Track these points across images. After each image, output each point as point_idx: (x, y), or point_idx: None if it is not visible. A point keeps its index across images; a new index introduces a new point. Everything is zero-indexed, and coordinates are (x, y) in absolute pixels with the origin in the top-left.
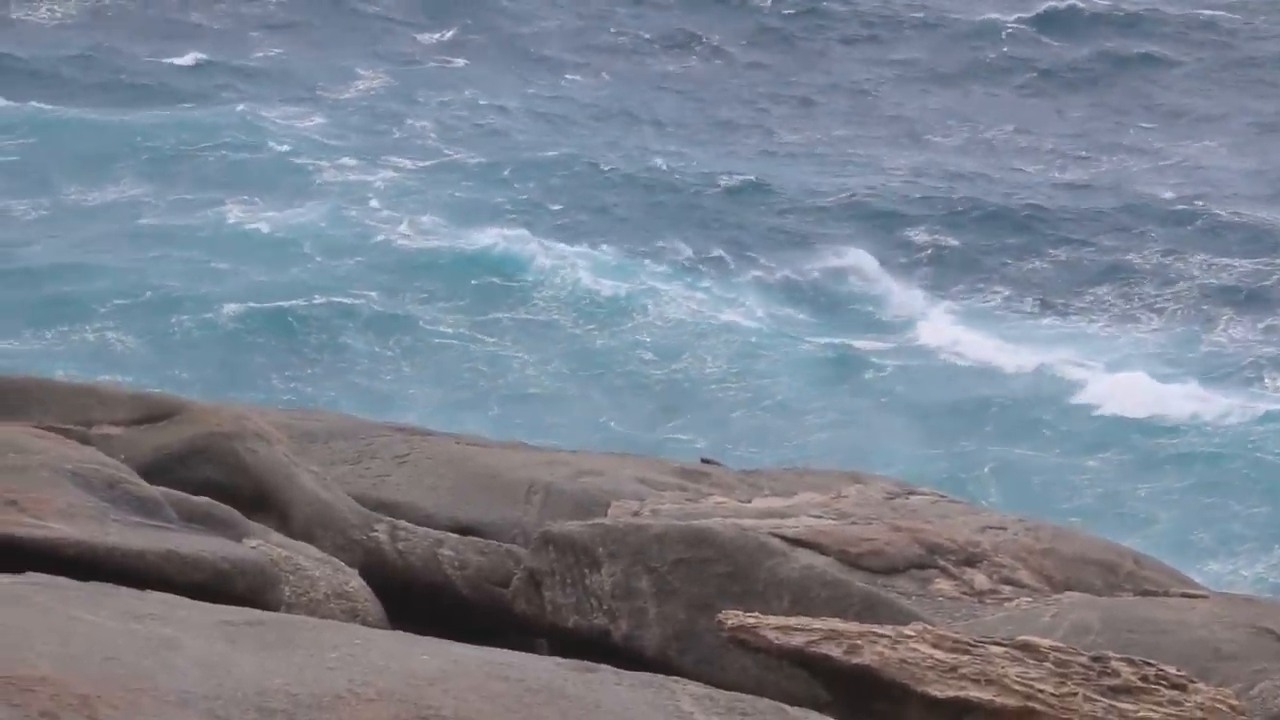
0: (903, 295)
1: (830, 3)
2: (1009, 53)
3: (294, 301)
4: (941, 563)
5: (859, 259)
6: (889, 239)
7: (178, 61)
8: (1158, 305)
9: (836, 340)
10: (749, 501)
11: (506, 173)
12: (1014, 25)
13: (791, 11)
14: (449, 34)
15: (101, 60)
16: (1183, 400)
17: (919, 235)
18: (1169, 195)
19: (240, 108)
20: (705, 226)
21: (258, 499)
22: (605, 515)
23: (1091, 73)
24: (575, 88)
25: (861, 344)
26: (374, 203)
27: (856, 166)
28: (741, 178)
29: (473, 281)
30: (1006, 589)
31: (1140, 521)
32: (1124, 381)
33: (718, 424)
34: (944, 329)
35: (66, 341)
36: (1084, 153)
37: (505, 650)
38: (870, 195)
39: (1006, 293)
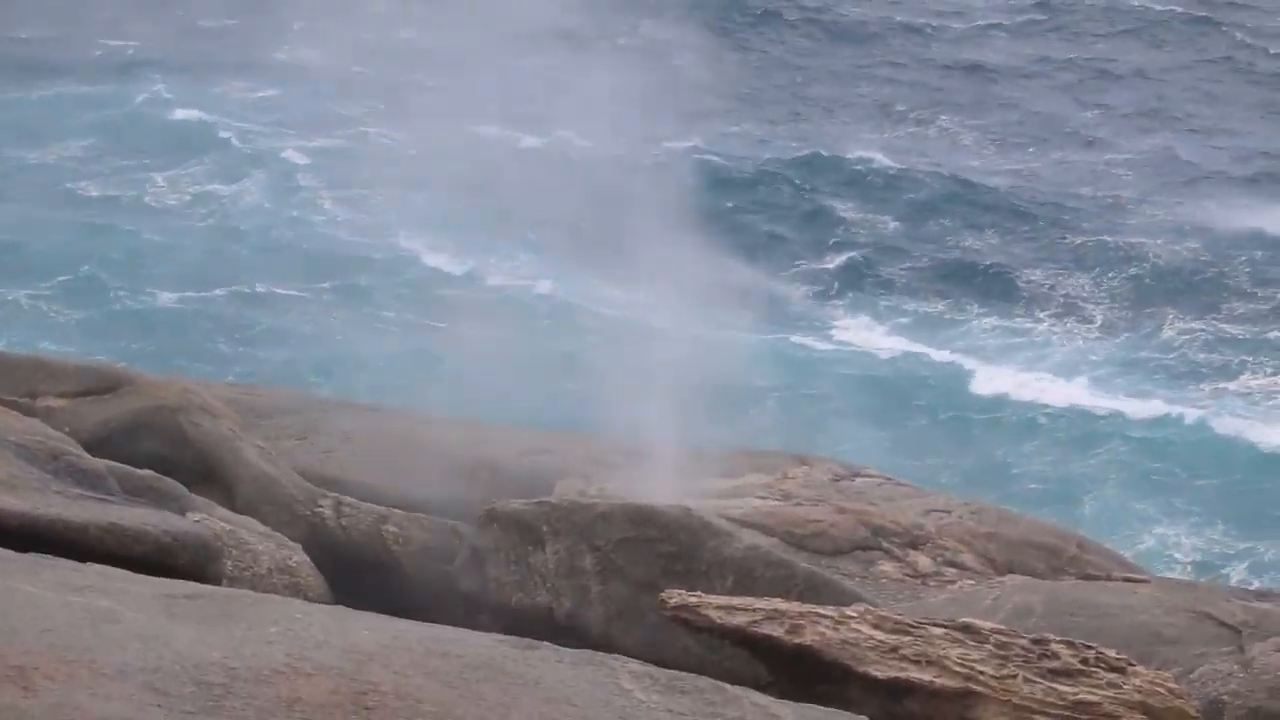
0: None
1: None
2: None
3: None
4: (886, 545)
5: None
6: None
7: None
8: (1092, 297)
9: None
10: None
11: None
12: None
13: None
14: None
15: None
16: (1114, 391)
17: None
18: (1091, 190)
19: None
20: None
21: (202, 473)
22: (551, 494)
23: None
24: None
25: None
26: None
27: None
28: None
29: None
30: (950, 571)
31: (1077, 501)
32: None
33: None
34: (873, 327)
35: None
36: (1025, 145)
37: (446, 627)
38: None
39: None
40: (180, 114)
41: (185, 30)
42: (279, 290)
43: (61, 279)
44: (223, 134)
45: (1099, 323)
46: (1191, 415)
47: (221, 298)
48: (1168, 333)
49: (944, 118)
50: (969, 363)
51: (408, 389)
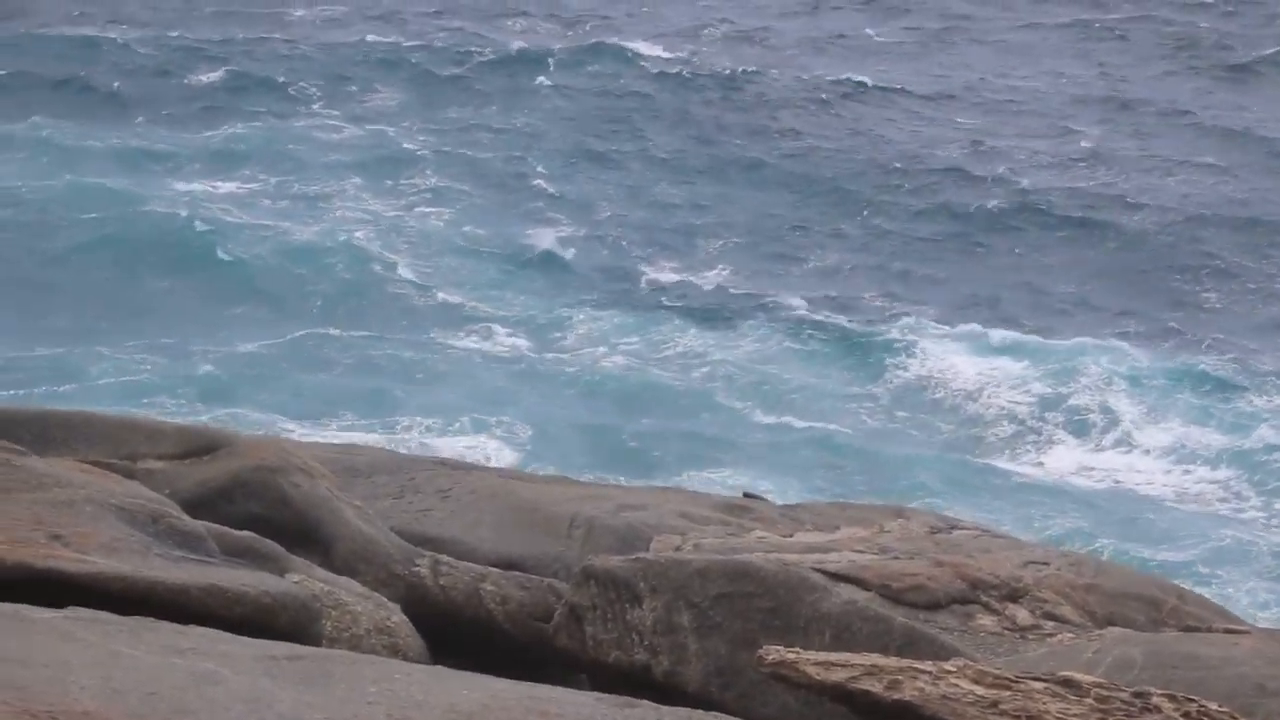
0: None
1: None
2: None
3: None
4: (984, 598)
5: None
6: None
7: None
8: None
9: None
10: (791, 536)
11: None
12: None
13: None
14: None
15: None
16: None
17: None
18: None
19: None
20: None
21: (301, 533)
22: (647, 550)
23: None
24: None
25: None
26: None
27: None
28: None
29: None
30: (1049, 624)
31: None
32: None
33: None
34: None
35: None
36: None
37: (545, 685)
38: None
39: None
40: None
41: None
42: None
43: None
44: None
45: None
46: None
47: None
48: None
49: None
50: None
51: None
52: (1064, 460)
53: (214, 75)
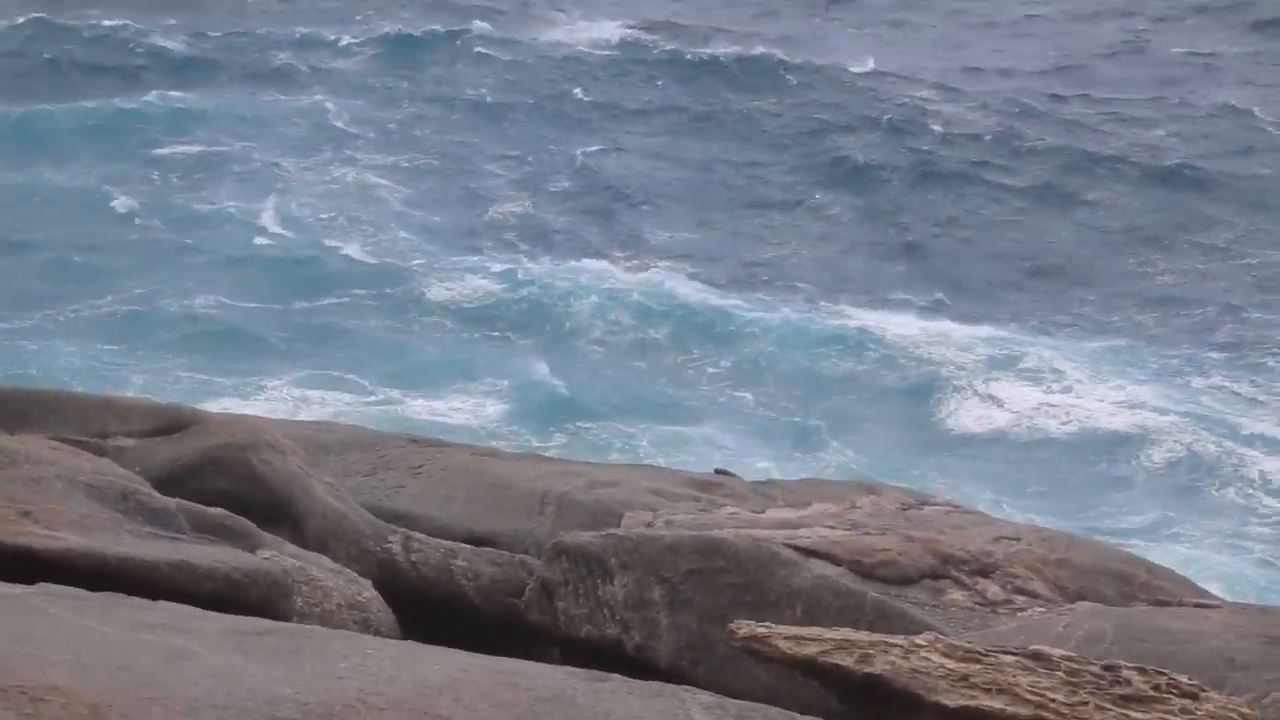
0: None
1: None
2: None
3: None
4: (955, 573)
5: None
6: None
7: None
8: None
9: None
10: (762, 512)
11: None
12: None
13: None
14: None
15: None
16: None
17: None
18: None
19: None
20: None
21: (272, 510)
22: (618, 526)
23: None
24: None
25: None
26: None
27: None
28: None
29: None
30: (1020, 599)
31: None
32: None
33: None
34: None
35: None
36: None
37: (516, 659)
38: None
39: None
40: None
41: None
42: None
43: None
44: None
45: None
46: None
47: None
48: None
49: None
50: None
51: None
52: (1013, 414)
53: (159, 42)
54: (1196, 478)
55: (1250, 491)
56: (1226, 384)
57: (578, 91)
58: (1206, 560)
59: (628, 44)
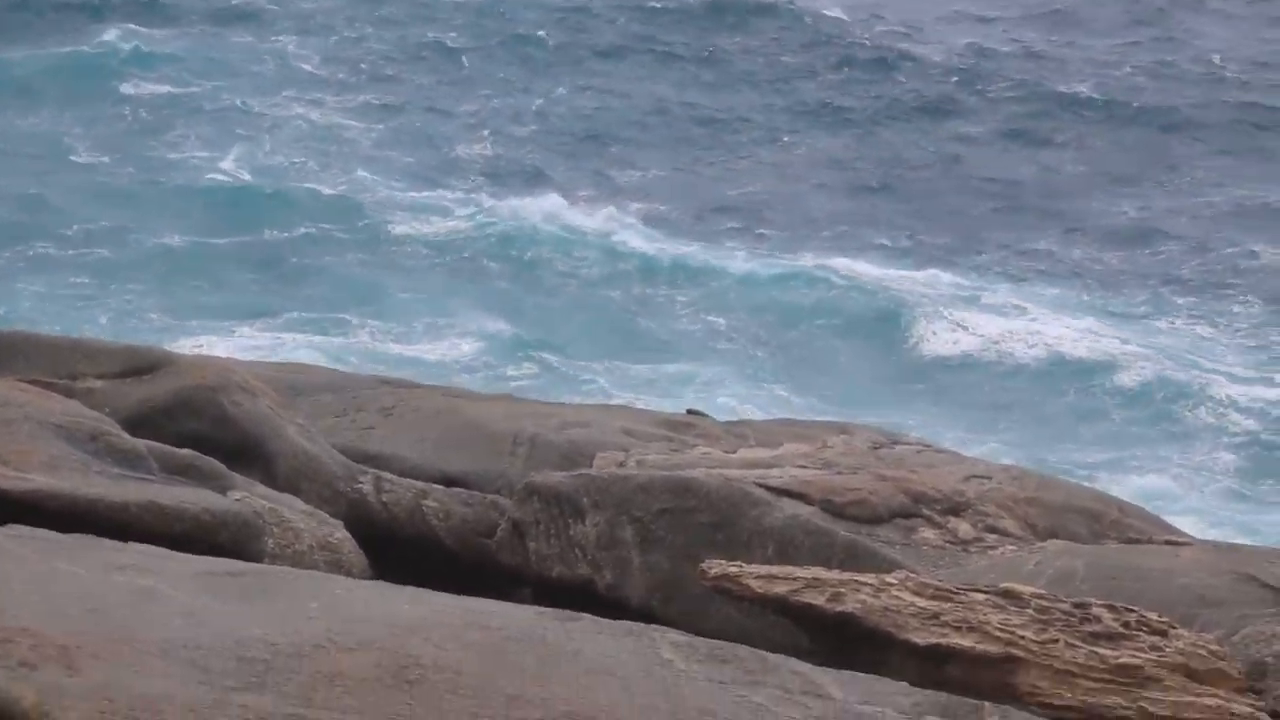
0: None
1: None
2: None
3: None
4: (926, 512)
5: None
6: None
7: None
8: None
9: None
10: (734, 452)
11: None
12: None
13: None
14: None
15: None
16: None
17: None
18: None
19: None
20: None
21: (242, 451)
22: (590, 466)
23: None
24: None
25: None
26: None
27: None
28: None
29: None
30: (991, 537)
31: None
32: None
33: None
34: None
35: None
36: None
37: (486, 599)
38: None
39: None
40: None
41: None
42: None
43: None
44: None
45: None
46: None
47: None
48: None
49: None
50: None
51: None
52: (980, 343)
53: None
54: (1163, 406)
55: (1216, 421)
56: (1193, 319)
57: (542, 33)
58: (1171, 491)
59: None
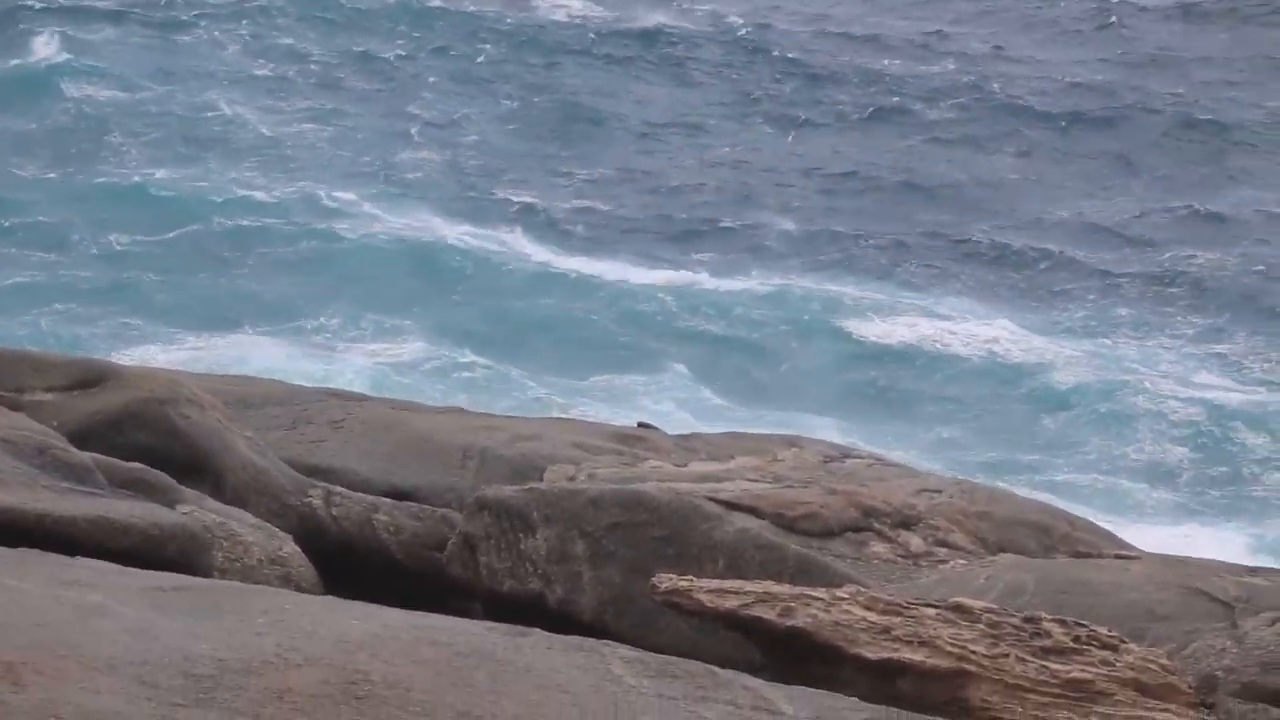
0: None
1: None
2: None
3: None
4: (877, 526)
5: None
6: None
7: None
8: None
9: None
10: (685, 465)
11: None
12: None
13: None
14: None
15: None
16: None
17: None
18: None
19: None
20: None
21: (191, 465)
22: (541, 480)
23: None
24: None
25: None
26: None
27: None
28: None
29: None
30: (941, 551)
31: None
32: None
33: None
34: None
35: None
36: None
37: (436, 614)
38: None
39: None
40: None
41: None
42: None
43: None
44: None
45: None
46: None
47: None
48: None
49: None
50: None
51: None
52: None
53: None
54: (1101, 410)
55: (1155, 426)
56: (1134, 326)
57: (485, 46)
58: (1113, 496)
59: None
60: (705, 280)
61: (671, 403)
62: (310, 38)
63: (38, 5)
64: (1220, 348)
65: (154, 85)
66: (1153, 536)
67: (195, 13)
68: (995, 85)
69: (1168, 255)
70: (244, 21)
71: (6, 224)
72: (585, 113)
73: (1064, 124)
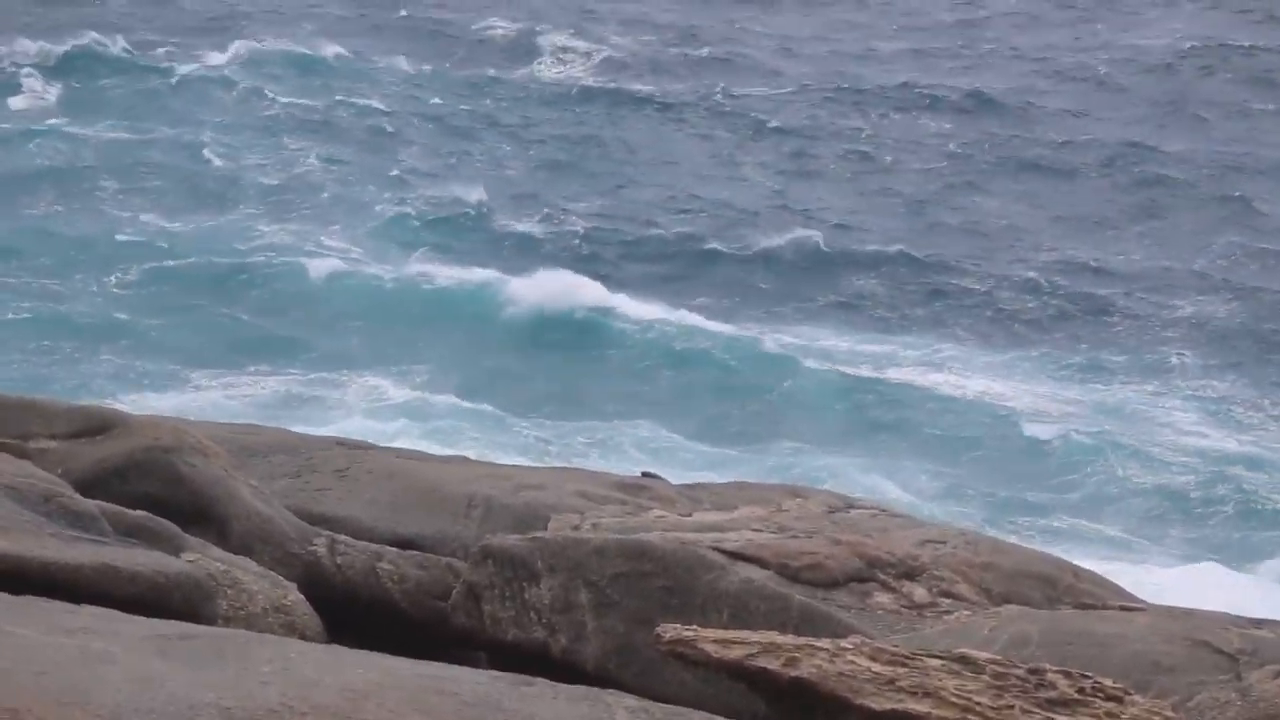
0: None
1: None
2: None
3: None
4: (881, 576)
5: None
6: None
7: None
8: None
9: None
10: (689, 515)
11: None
12: None
13: None
14: None
15: None
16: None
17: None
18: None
19: None
20: None
21: (196, 513)
22: (545, 529)
23: None
24: None
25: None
26: None
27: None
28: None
29: None
30: (945, 602)
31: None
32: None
33: None
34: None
35: None
36: None
37: (441, 664)
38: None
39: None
40: None
41: None
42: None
43: None
44: None
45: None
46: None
47: None
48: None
49: None
50: None
51: None
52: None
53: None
54: (1093, 459)
55: (1153, 473)
56: (1128, 371)
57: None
58: (1114, 542)
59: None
60: (704, 326)
61: (677, 452)
62: (298, 88)
63: (34, 51)
64: (1218, 391)
65: (150, 129)
66: (1155, 581)
67: (191, 65)
68: (979, 124)
69: (1157, 300)
70: (240, 71)
71: (10, 263)
72: (575, 156)
73: (1049, 168)
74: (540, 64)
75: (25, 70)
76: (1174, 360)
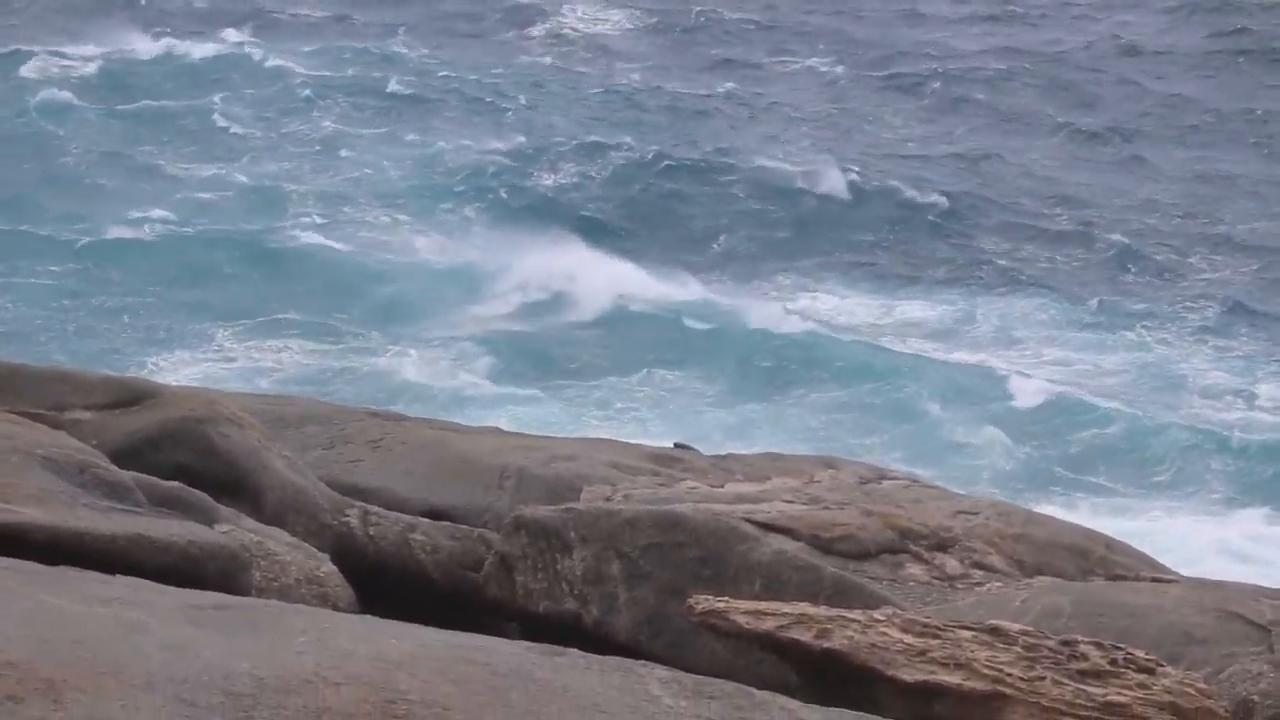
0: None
1: None
2: None
3: None
4: (913, 548)
5: None
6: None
7: None
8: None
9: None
10: (721, 486)
11: None
12: None
13: None
14: None
15: None
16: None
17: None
18: None
19: None
20: None
21: (229, 484)
22: (577, 500)
23: None
24: None
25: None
26: None
27: None
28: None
29: None
30: (978, 573)
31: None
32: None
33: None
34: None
35: None
36: None
37: (474, 634)
38: None
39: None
40: None
41: None
42: None
43: None
44: None
45: None
46: None
47: None
48: None
49: None
50: None
51: None
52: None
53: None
54: (1120, 427)
55: (1185, 442)
56: (1147, 331)
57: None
58: (1148, 513)
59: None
60: (732, 304)
61: (710, 423)
62: (324, 61)
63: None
64: (1243, 351)
65: (178, 101)
66: (1187, 551)
67: (213, 43)
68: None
69: (1175, 259)
70: (262, 48)
71: (44, 215)
72: (612, 117)
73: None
74: (562, 28)
75: (52, 46)
76: (1193, 317)
